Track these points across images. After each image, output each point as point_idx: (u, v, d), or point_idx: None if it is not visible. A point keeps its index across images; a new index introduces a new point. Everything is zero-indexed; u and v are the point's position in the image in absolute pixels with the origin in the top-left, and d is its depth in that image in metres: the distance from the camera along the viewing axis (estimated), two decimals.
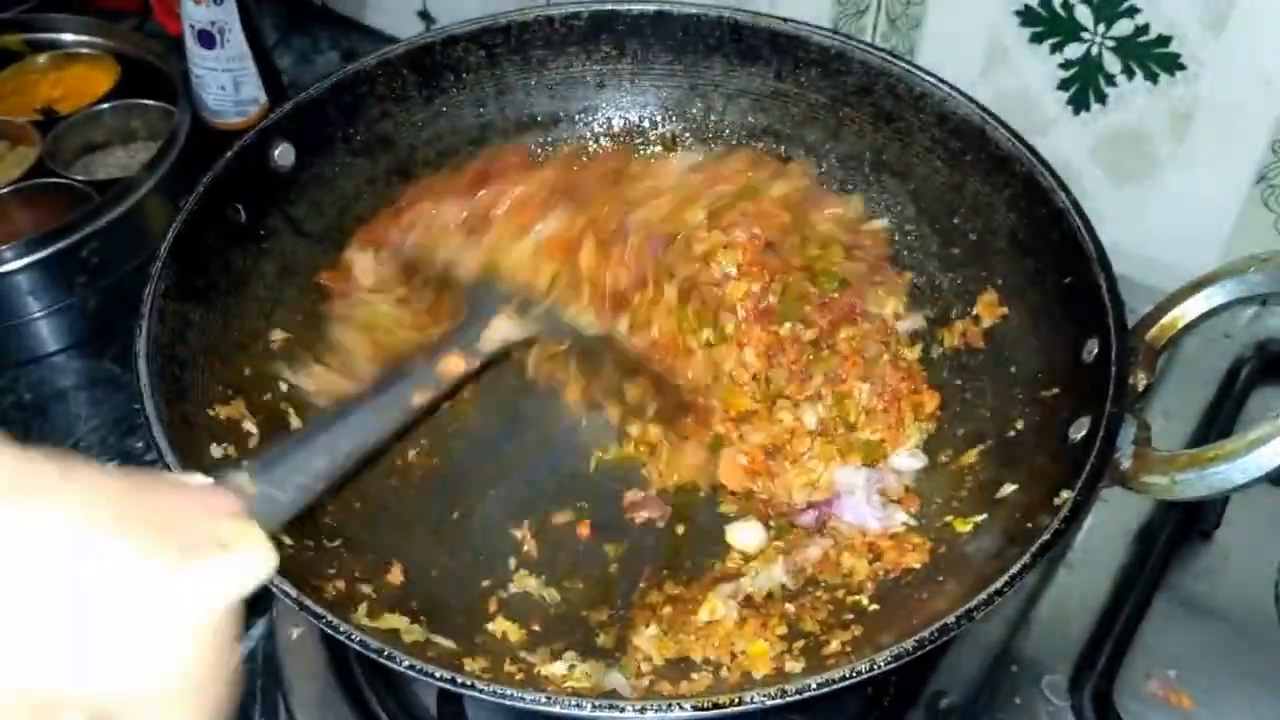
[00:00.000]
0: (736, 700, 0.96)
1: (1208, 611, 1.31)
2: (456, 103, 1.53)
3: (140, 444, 1.53)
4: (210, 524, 0.73)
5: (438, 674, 0.98)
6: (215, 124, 1.79)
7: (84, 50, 1.93)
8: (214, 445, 1.21)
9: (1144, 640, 1.27)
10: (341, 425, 1.07)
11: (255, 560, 0.75)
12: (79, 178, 1.71)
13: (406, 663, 0.98)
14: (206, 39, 1.70)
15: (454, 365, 1.22)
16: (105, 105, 1.83)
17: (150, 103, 1.83)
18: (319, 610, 1.00)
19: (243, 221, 1.36)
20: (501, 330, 1.27)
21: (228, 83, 1.74)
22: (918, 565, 1.20)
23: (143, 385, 1.14)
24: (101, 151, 1.85)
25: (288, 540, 1.16)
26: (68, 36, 1.94)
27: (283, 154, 1.40)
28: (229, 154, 1.35)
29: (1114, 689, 1.23)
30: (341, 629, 0.99)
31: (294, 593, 1.01)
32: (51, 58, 1.92)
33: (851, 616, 1.17)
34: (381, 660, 0.98)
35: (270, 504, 0.94)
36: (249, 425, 1.27)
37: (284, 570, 1.02)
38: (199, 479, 0.82)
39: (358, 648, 0.99)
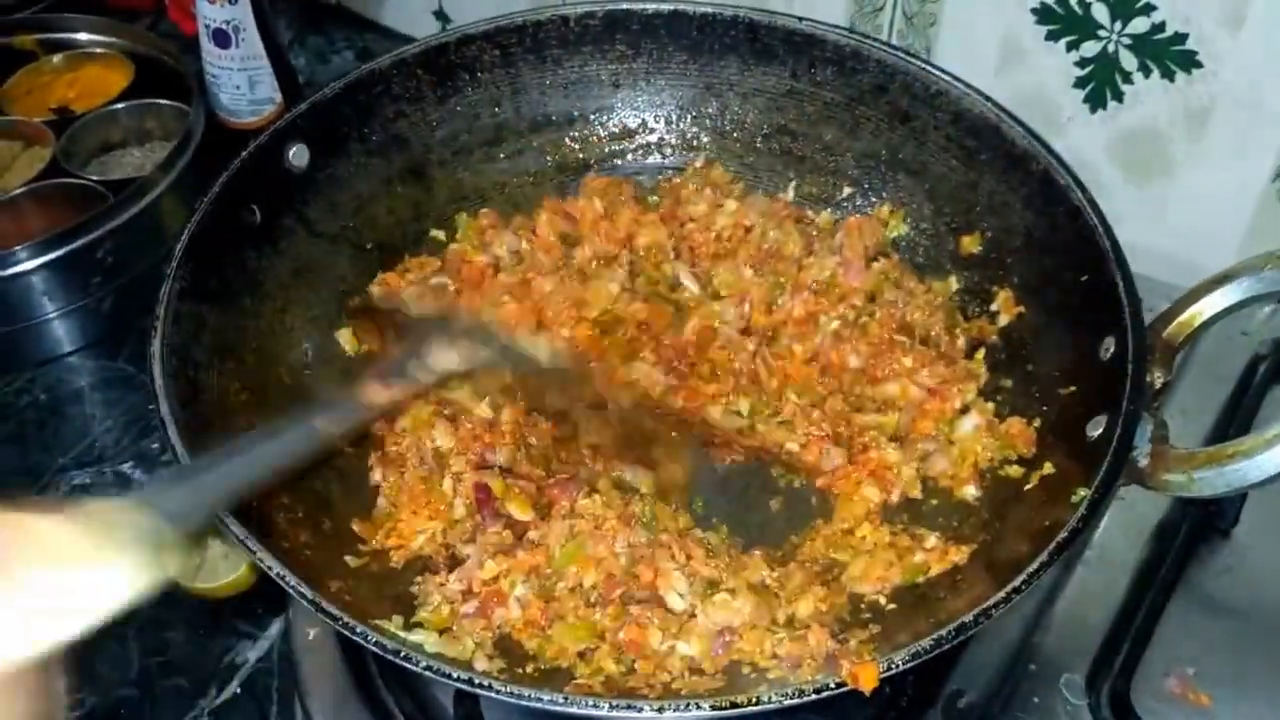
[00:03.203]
0: (754, 700, 0.95)
1: (1226, 609, 1.31)
2: (471, 102, 1.53)
3: (156, 445, 1.53)
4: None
5: (454, 674, 0.98)
6: (230, 123, 1.79)
7: (98, 50, 1.93)
8: None
9: (1162, 638, 1.26)
10: (249, 454, 1.06)
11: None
12: (94, 178, 1.71)
13: (423, 663, 0.98)
14: (221, 38, 1.70)
15: (378, 396, 1.21)
16: (120, 105, 1.83)
17: (165, 102, 1.83)
18: (335, 612, 1.00)
19: (257, 222, 1.36)
20: (441, 360, 1.26)
21: (243, 82, 1.74)
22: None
23: (157, 387, 1.14)
24: (116, 151, 1.85)
25: (305, 538, 1.16)
26: (82, 36, 1.94)
27: (297, 154, 1.40)
28: (244, 154, 1.35)
29: (1132, 687, 1.22)
30: (358, 630, 0.99)
31: (310, 594, 1.01)
32: (66, 58, 1.92)
33: (869, 616, 1.17)
34: (398, 661, 0.98)
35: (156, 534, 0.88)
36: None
37: (300, 571, 1.03)
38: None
39: (374, 649, 0.99)
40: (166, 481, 0.94)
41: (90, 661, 1.34)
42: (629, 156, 1.59)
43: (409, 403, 1.29)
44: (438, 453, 1.29)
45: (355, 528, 1.23)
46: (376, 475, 1.29)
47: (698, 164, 1.58)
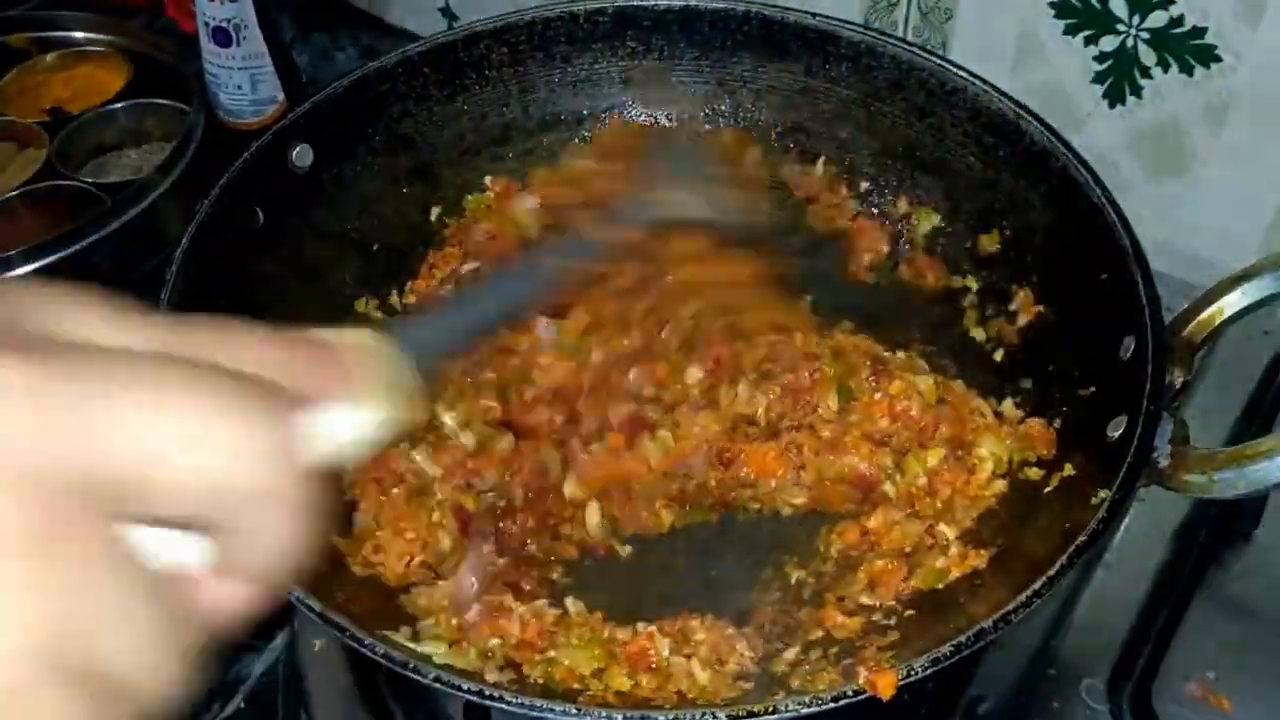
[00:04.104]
0: (770, 709, 0.94)
1: (1247, 612, 1.30)
2: (479, 101, 1.52)
3: None
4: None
5: (464, 686, 0.96)
6: (231, 124, 1.77)
7: (94, 48, 1.91)
8: None
9: (1183, 642, 1.25)
10: (473, 302, 0.98)
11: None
12: (89, 180, 1.69)
13: (432, 674, 0.96)
14: (222, 36, 1.68)
15: (611, 231, 1.12)
16: (117, 105, 1.81)
17: (163, 102, 1.81)
18: (341, 623, 0.99)
19: (260, 225, 1.34)
20: (679, 201, 1.18)
21: (244, 81, 1.73)
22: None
23: None
24: (113, 153, 1.83)
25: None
26: (77, 34, 1.92)
27: (301, 155, 1.38)
28: (245, 155, 1.33)
29: (1153, 692, 1.21)
30: (365, 642, 0.98)
31: (315, 605, 0.99)
32: (60, 56, 1.90)
33: (888, 622, 1.15)
34: (406, 673, 0.97)
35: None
36: None
37: (305, 581, 1.01)
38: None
39: (382, 660, 0.97)
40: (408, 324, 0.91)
41: None
42: None
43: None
44: (420, 474, 1.26)
45: (336, 543, 1.20)
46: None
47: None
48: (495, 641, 1.12)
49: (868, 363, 1.34)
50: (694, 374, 1.34)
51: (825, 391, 1.32)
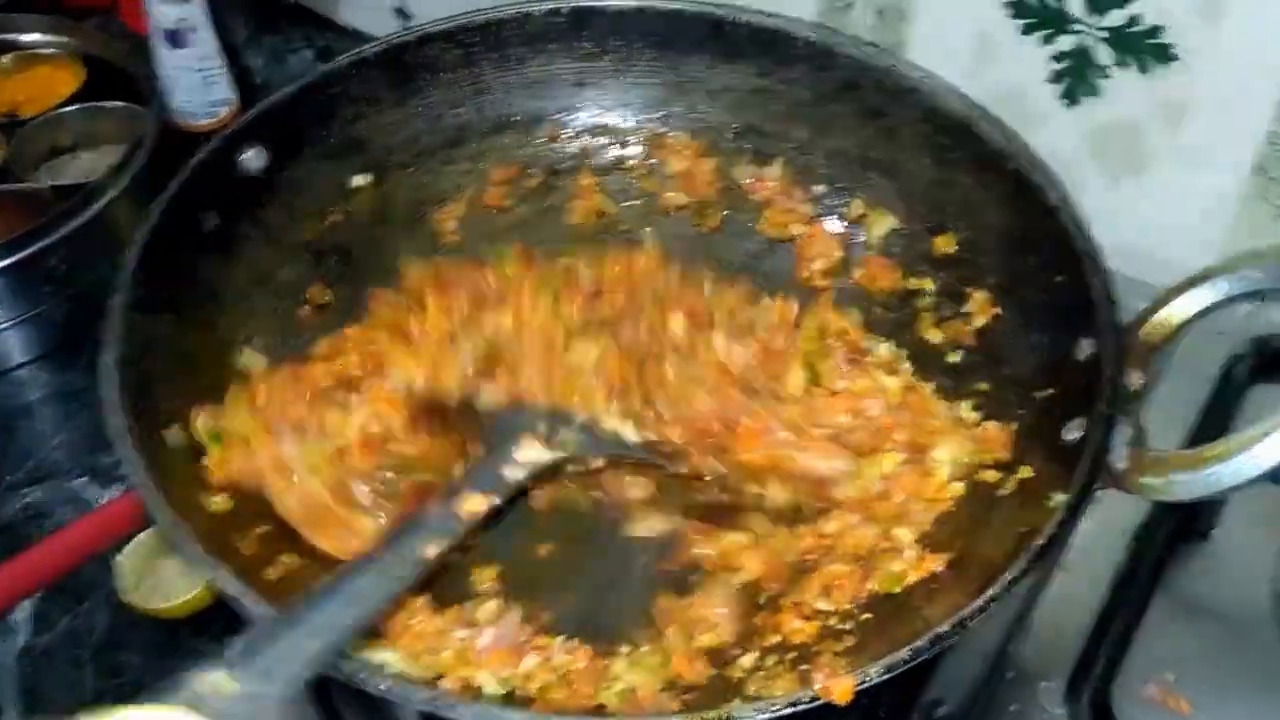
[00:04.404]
0: (725, 716, 0.93)
1: (1206, 613, 1.30)
2: (432, 103, 1.50)
3: (112, 459, 1.49)
4: None
5: (417, 696, 0.95)
6: (184, 126, 1.76)
7: (47, 50, 1.90)
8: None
9: (1141, 644, 1.26)
10: (342, 596, 0.99)
11: None
12: (43, 183, 1.68)
13: (383, 685, 0.96)
14: (174, 38, 1.67)
15: (476, 505, 1.14)
16: (70, 108, 1.80)
17: (117, 104, 1.80)
18: None
19: (213, 228, 1.33)
20: (529, 457, 1.21)
21: (197, 83, 1.71)
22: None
23: (109, 402, 1.11)
24: (66, 156, 1.82)
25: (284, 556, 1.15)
26: (29, 36, 1.91)
27: (253, 158, 1.37)
28: (197, 158, 1.32)
29: (1111, 694, 1.21)
30: None
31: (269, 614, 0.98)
32: (13, 59, 1.89)
33: (845, 626, 1.14)
34: (356, 683, 0.96)
35: (253, 702, 0.87)
36: None
37: (259, 590, 1.01)
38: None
39: (332, 673, 0.97)
40: (253, 648, 0.90)
41: (43, 685, 1.31)
42: (594, 157, 1.56)
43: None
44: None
45: None
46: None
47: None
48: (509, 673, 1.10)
49: (844, 350, 1.34)
50: (678, 321, 1.33)
51: (792, 363, 1.32)
